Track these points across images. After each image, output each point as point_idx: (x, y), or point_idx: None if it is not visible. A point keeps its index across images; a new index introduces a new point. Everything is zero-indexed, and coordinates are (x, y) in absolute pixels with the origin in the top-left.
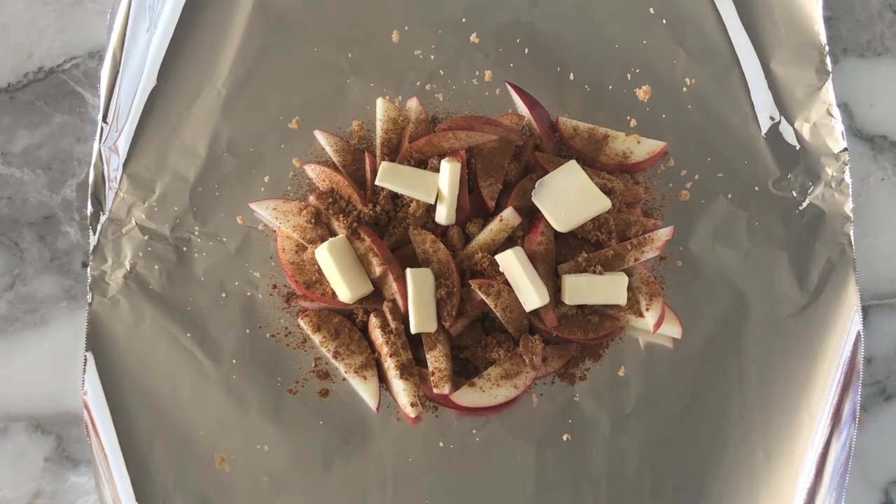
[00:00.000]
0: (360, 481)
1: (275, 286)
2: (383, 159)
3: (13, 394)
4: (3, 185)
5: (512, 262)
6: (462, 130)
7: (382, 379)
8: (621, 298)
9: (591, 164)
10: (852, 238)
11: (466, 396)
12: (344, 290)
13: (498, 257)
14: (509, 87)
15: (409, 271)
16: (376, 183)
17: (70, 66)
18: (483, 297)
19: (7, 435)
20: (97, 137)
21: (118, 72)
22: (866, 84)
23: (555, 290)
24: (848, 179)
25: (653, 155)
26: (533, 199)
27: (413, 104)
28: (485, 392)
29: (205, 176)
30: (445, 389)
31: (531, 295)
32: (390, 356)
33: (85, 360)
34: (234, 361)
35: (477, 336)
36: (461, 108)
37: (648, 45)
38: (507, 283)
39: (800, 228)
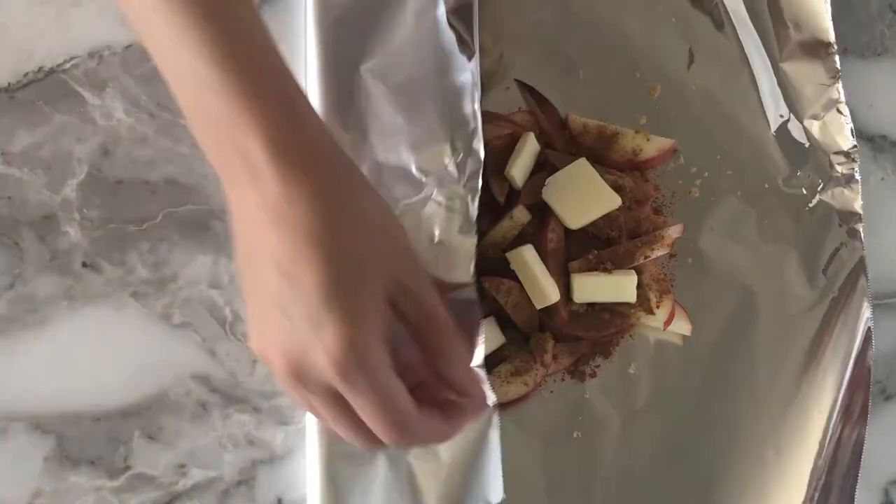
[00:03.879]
0: None
1: None
2: None
3: (13, 394)
4: (3, 185)
5: (522, 260)
6: None
7: None
8: (631, 296)
9: (601, 161)
10: (862, 235)
11: None
12: None
13: (509, 255)
14: (517, 85)
15: None
16: None
17: (70, 66)
18: (493, 294)
19: (7, 435)
20: None
21: None
22: (866, 84)
23: (565, 287)
24: (857, 177)
25: (662, 152)
26: (543, 196)
27: None
28: (495, 390)
29: None
30: None
31: (542, 292)
32: None
33: None
34: None
35: None
36: None
37: (657, 43)
38: (517, 280)
39: (809, 226)
